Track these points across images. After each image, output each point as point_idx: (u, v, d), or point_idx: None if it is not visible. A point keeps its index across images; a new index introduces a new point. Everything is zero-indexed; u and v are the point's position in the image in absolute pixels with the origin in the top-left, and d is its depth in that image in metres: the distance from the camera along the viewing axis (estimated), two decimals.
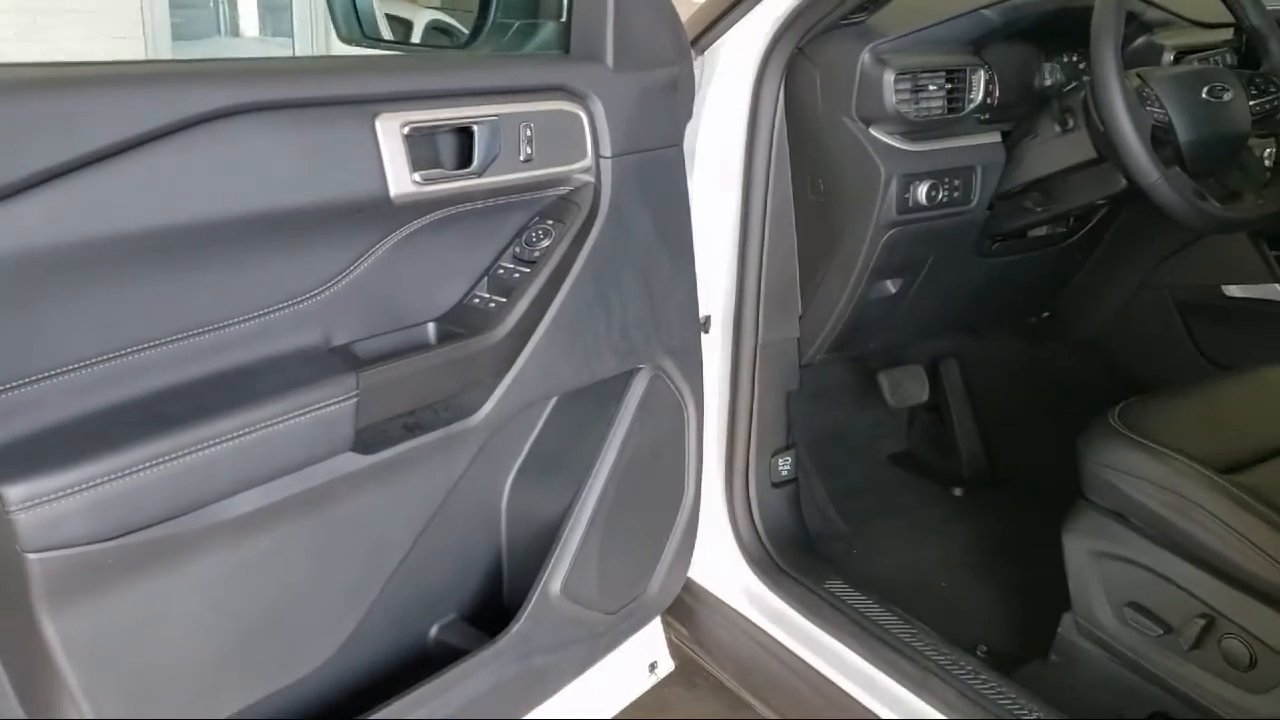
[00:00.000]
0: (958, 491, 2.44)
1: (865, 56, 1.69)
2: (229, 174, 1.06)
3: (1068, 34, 1.85)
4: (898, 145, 1.75)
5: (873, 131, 1.74)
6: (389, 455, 1.25)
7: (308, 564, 1.23)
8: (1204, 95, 1.69)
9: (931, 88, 1.73)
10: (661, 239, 1.52)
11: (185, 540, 1.09)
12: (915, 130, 1.75)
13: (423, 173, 1.21)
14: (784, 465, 1.98)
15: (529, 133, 1.31)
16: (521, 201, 1.38)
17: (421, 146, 1.21)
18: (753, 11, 1.69)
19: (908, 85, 1.70)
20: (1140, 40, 1.95)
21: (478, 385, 1.35)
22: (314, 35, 7.10)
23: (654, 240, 1.51)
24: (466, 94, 1.27)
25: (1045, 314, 2.49)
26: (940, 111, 1.75)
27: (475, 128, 1.26)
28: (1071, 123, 1.78)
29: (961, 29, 1.79)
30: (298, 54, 6.78)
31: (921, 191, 1.77)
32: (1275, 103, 1.79)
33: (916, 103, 1.72)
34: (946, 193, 1.80)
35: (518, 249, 1.40)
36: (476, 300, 1.38)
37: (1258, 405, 1.76)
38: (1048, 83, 1.87)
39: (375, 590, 1.31)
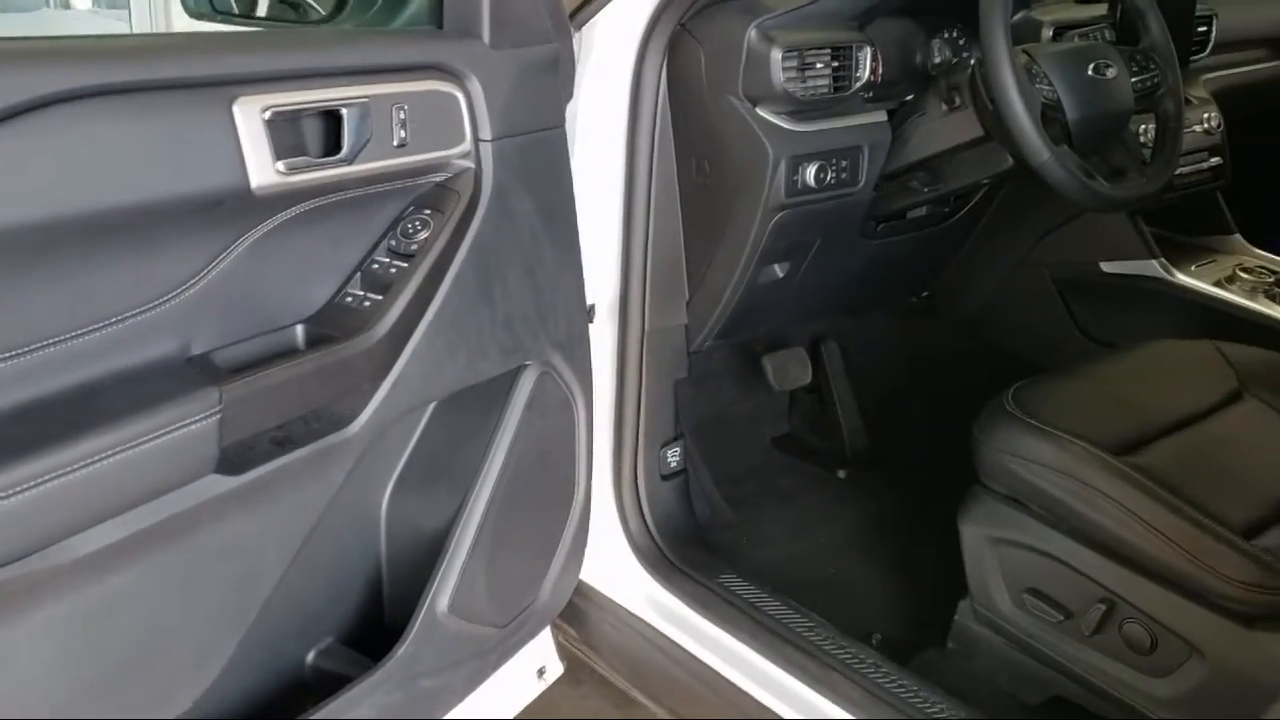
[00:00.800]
0: (841, 473, 2.42)
1: (752, 33, 1.63)
2: (67, 167, 0.94)
3: (949, 9, 1.83)
4: (785, 125, 1.70)
5: (759, 111, 1.68)
6: (257, 475, 1.15)
7: (171, 600, 1.12)
8: (1090, 73, 1.69)
9: (819, 65, 1.67)
10: (546, 226, 1.44)
11: (29, 583, 0.97)
12: (802, 110, 1.70)
13: (287, 161, 1.10)
14: (673, 457, 1.92)
15: (402, 115, 1.22)
16: (396, 190, 1.28)
17: (285, 132, 1.11)
18: None
19: (795, 63, 1.64)
20: (1019, 15, 1.94)
21: (353, 392, 1.25)
22: (152, 8, 6.76)
23: (539, 228, 1.43)
24: (333, 74, 1.17)
25: (925, 294, 2.48)
26: (827, 90, 1.69)
27: (344, 110, 1.16)
28: (958, 101, 1.76)
29: (845, 3, 1.74)
30: (136, 29, 6.43)
31: (810, 173, 1.72)
32: (1155, 80, 1.80)
33: (804, 81, 1.66)
34: (835, 174, 1.76)
35: (393, 242, 1.30)
36: (349, 299, 1.28)
37: (1146, 383, 1.77)
38: (936, 60, 1.84)
39: (247, 621, 1.21)
